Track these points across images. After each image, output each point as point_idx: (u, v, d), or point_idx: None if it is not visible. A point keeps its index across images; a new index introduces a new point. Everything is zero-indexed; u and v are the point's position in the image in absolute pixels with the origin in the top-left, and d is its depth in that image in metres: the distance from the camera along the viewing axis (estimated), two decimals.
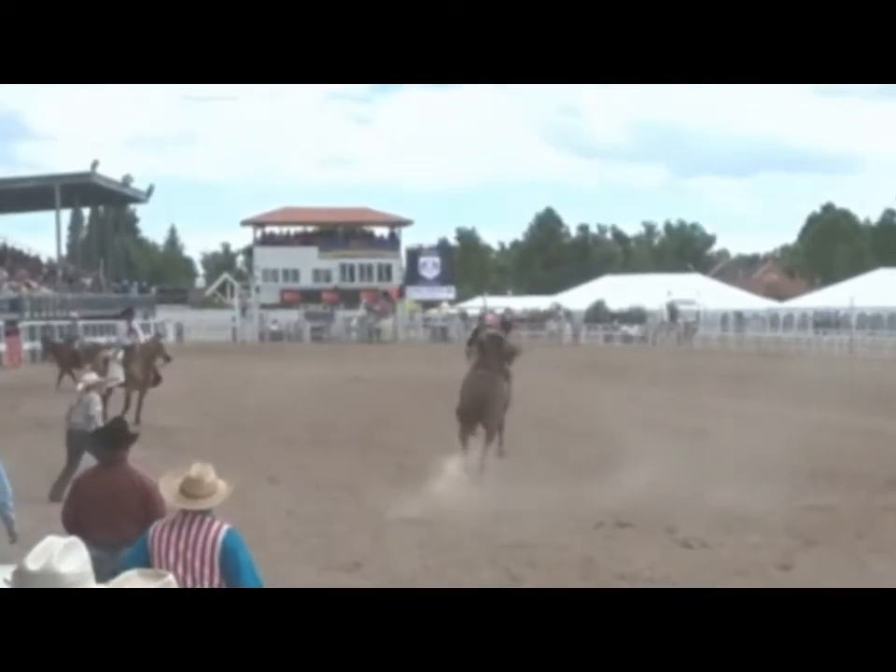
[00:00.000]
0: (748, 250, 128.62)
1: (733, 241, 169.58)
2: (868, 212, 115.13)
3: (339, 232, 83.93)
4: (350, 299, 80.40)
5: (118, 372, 23.21)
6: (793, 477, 16.59)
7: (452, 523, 13.87)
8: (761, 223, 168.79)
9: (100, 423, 16.42)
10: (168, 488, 6.70)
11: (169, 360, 25.34)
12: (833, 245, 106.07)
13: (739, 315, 79.48)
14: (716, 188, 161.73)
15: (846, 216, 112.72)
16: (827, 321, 72.00)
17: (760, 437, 20.43)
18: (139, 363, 24.42)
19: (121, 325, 26.73)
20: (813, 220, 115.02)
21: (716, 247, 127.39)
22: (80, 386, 16.49)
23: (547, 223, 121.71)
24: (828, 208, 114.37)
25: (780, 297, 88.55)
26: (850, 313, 67.77)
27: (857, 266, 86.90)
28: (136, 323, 26.44)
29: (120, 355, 24.61)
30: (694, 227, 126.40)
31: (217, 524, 6.60)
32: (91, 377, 17.06)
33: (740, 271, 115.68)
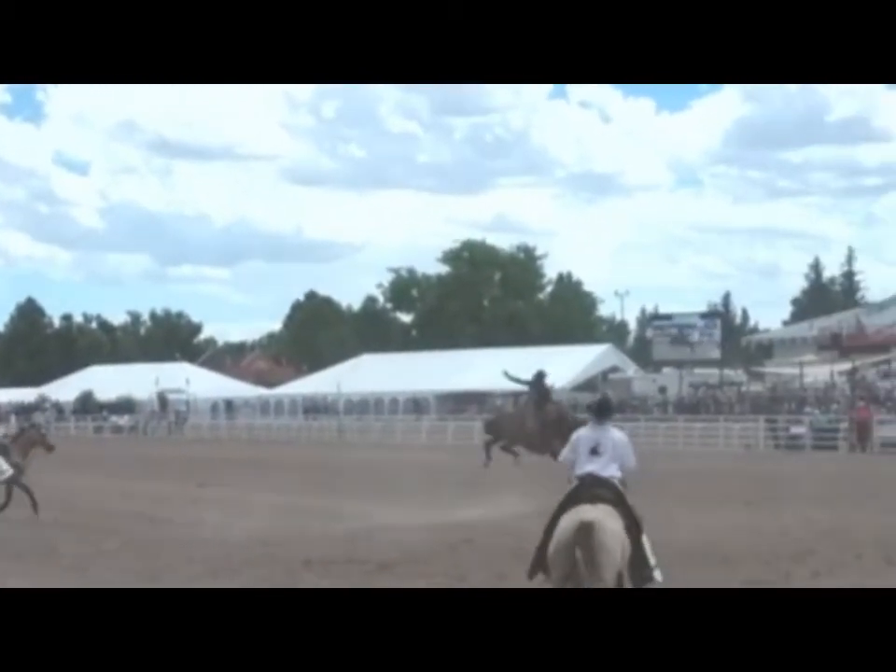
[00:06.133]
0: (235, 338, 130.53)
1: (220, 329, 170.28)
2: (350, 299, 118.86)
3: None
4: None
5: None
6: (287, 564, 16.25)
7: None
8: (247, 311, 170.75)
9: None
10: None
11: (52, 450, 23.90)
12: (317, 331, 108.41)
13: (229, 403, 79.87)
14: (200, 276, 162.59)
15: (329, 303, 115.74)
16: (316, 407, 73.44)
17: (251, 523, 20.45)
18: (19, 452, 23.12)
19: None
20: (297, 308, 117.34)
21: (203, 335, 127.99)
22: None
23: (29, 314, 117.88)
24: (311, 296, 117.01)
25: (269, 384, 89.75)
26: (338, 398, 69.35)
27: (341, 352, 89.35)
28: None
29: None
30: (180, 315, 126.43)
31: None
32: None
33: (228, 358, 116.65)
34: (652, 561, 10.85)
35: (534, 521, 18.39)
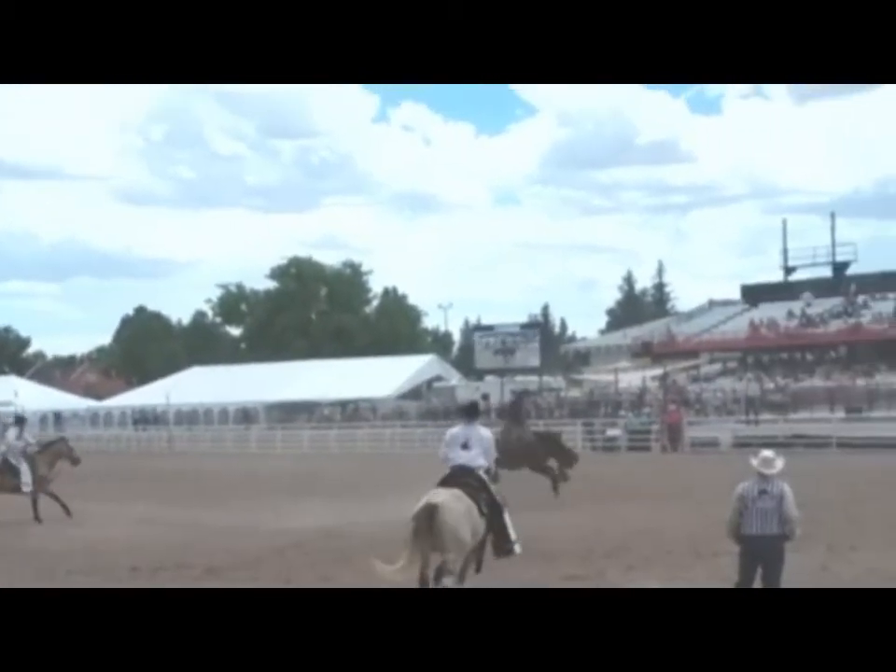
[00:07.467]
0: (64, 351, 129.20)
1: (49, 342, 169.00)
2: (180, 314, 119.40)
3: None
4: None
5: (26, 476, 23.14)
6: (114, 571, 16.32)
7: None
8: (76, 325, 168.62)
9: None
10: None
11: (78, 462, 24.51)
12: (147, 345, 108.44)
13: (58, 415, 79.15)
14: (29, 292, 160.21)
15: (158, 317, 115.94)
16: (146, 418, 73.72)
17: (79, 532, 20.83)
18: (46, 464, 23.75)
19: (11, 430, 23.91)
20: (127, 322, 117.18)
21: (31, 349, 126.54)
22: None
23: None
24: (141, 310, 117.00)
25: (99, 396, 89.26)
26: (168, 409, 69.92)
27: (171, 365, 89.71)
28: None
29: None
30: (8, 330, 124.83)
31: None
32: None
33: (58, 371, 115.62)
34: (513, 536, 12.97)
35: (362, 526, 19.41)
